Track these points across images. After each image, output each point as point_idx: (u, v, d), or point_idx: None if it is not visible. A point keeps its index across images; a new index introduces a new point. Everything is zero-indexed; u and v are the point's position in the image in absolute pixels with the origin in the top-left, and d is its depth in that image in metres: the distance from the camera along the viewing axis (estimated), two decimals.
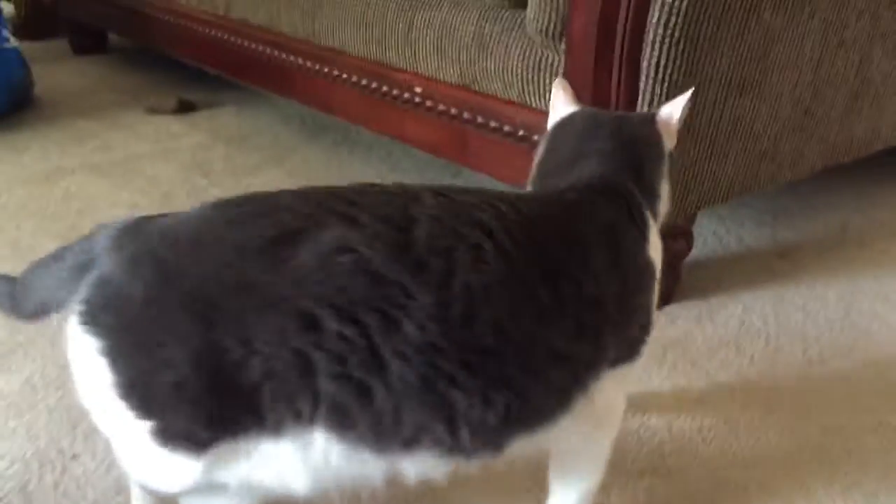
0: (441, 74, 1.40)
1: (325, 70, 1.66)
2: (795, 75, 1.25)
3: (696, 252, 1.43)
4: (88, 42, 2.97)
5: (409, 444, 0.63)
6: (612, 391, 0.74)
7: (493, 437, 0.66)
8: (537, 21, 1.17)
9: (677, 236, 1.26)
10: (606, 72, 1.11)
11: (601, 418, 0.76)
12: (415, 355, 0.61)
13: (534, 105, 1.25)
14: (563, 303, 0.66)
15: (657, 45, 1.07)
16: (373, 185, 0.69)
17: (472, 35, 1.32)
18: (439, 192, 0.67)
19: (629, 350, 0.75)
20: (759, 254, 1.48)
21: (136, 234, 0.65)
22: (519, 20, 1.24)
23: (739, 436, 1.00)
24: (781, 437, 1.00)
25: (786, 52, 1.21)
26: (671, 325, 1.24)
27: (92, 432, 1.00)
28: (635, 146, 0.80)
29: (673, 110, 0.82)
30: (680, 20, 1.05)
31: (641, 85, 1.10)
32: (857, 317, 1.27)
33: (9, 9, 2.73)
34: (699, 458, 0.97)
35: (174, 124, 2.19)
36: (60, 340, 1.16)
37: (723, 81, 1.15)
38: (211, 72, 2.16)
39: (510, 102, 1.29)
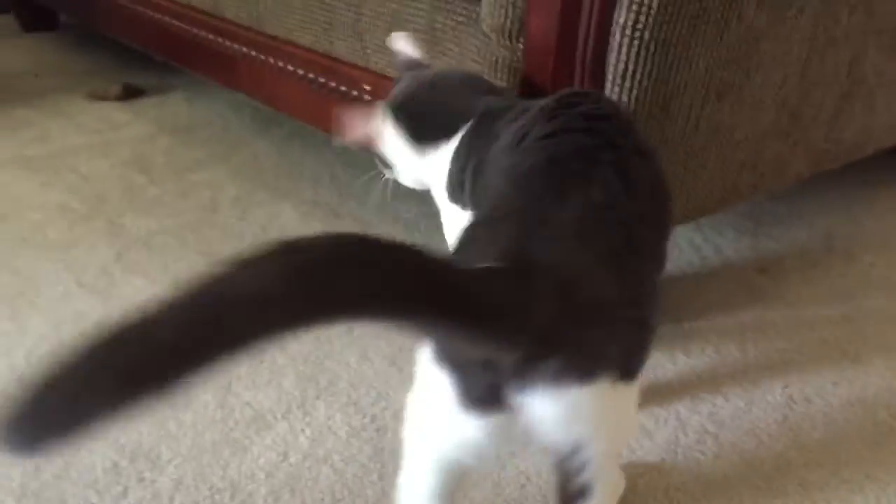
0: (392, 71, 1.27)
1: (271, 61, 1.52)
2: (781, 77, 1.13)
3: (670, 265, 1.31)
4: (38, 20, 2.80)
5: None
6: None
7: None
8: (491, 18, 1.04)
9: None
10: (568, 78, 0.98)
11: None
12: None
13: None
14: None
15: (624, 49, 0.94)
16: None
17: (423, 28, 1.18)
18: None
19: None
20: (738, 268, 1.36)
21: None
22: (474, 14, 1.10)
23: (711, 496, 0.89)
24: (758, 497, 0.89)
25: (770, 53, 1.08)
26: None
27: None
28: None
29: None
30: (650, 21, 0.92)
31: (607, 92, 0.97)
32: (845, 344, 1.15)
33: None
34: None
35: (118, 112, 2.04)
36: None
37: (699, 86, 1.02)
38: (157, 58, 2.01)
39: None
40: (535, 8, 0.98)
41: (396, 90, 1.01)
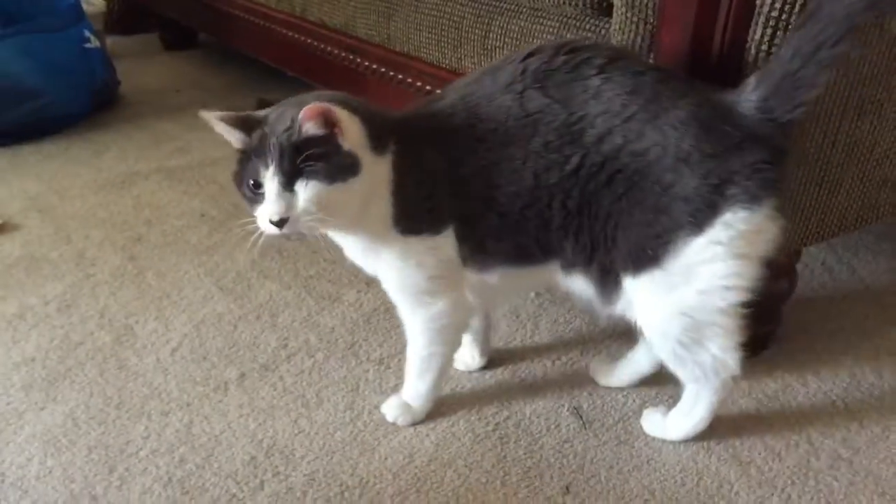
0: None
1: (399, 77, 1.57)
2: None
3: (802, 286, 1.27)
4: (178, 38, 2.98)
5: None
6: None
7: None
8: (623, 33, 1.04)
9: (778, 276, 1.11)
10: None
11: None
12: None
13: None
14: None
15: (760, 65, 0.93)
16: None
17: None
18: None
19: None
20: (874, 290, 1.31)
21: None
22: (603, 31, 1.11)
23: None
24: None
25: None
26: (768, 375, 1.10)
27: (128, 478, 0.95)
28: None
29: None
30: (788, 36, 0.91)
31: None
32: None
33: (99, 4, 2.74)
34: None
35: None
36: (110, 368, 1.13)
37: (838, 102, 1.00)
38: (289, 73, 2.10)
39: None
40: (668, 23, 0.98)
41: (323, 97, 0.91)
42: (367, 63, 1.67)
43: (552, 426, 1.02)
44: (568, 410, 1.05)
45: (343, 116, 0.87)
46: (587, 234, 0.88)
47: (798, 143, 0.99)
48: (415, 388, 1.03)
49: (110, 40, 2.69)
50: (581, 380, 1.10)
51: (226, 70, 2.68)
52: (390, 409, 1.04)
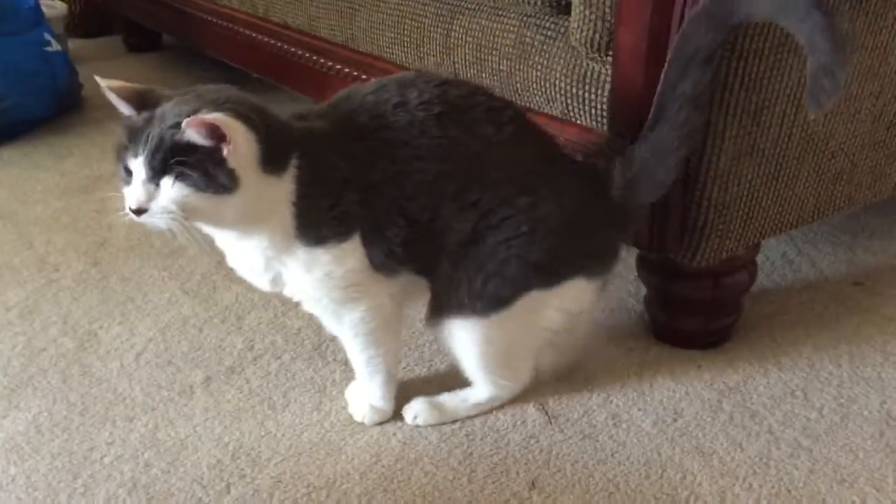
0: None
1: (363, 77, 1.57)
2: (877, 87, 1.10)
3: (762, 278, 1.30)
4: (142, 40, 2.95)
5: None
6: None
7: None
8: (581, 31, 1.05)
9: (737, 269, 1.13)
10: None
11: None
12: None
13: (578, 121, 1.14)
14: None
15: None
16: None
17: (512, 43, 1.21)
18: None
19: None
20: (833, 281, 1.33)
21: None
22: (563, 29, 1.12)
23: None
24: None
25: (866, 62, 1.07)
26: (729, 366, 1.11)
27: (92, 484, 0.94)
28: None
29: None
30: (742, 31, 0.92)
31: None
32: None
33: (60, 7, 2.70)
34: None
35: None
36: (73, 374, 1.12)
37: (792, 96, 1.02)
38: (254, 74, 2.09)
39: (552, 118, 1.18)
40: (625, 21, 0.99)
41: (213, 96, 0.87)
42: (330, 63, 1.67)
43: (518, 422, 1.03)
44: (533, 406, 1.05)
45: (237, 133, 0.83)
46: (462, 268, 0.93)
47: (754, 138, 1.01)
48: (370, 390, 1.03)
49: (73, 43, 2.67)
50: (545, 376, 1.11)
51: (191, 72, 2.67)
52: (357, 409, 1.04)
